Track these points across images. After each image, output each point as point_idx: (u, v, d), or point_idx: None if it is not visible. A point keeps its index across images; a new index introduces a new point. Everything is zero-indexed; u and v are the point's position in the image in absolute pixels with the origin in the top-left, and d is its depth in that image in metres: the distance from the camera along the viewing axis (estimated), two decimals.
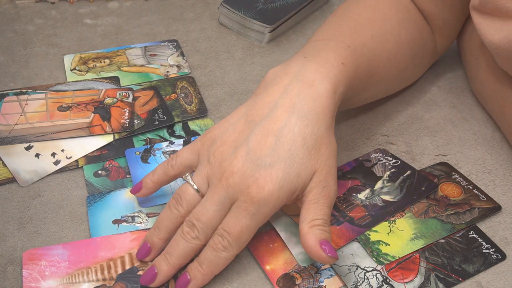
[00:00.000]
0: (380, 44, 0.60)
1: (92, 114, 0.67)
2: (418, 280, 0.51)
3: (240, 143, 0.50)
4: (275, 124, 0.50)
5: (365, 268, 0.52)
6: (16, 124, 0.65)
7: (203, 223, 0.49)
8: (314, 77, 0.52)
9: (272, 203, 0.48)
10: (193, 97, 0.70)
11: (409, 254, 0.53)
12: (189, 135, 0.65)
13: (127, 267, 0.52)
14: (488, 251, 0.53)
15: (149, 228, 0.54)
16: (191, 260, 0.50)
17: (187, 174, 0.52)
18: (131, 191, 0.56)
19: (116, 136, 0.64)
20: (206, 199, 0.50)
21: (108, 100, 0.68)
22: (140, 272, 0.51)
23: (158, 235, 0.51)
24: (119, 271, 0.51)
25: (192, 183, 0.51)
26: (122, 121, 0.65)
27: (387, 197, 0.57)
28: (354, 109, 0.69)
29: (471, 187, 0.58)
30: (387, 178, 0.59)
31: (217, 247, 0.49)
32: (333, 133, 0.52)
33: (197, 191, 0.51)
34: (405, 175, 0.59)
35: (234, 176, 0.48)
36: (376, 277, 0.51)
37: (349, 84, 0.55)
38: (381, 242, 0.53)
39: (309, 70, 0.52)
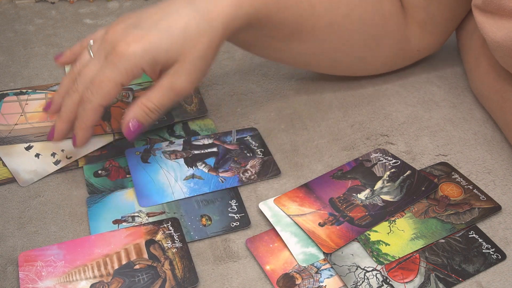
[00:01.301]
0: (326, 6, 0.61)
1: None
2: (418, 280, 0.51)
3: (132, 17, 0.55)
4: (169, 7, 0.54)
5: (365, 268, 0.52)
6: (16, 124, 0.65)
7: (81, 76, 0.54)
8: None
9: (134, 61, 0.52)
10: (193, 97, 0.70)
11: (409, 254, 0.53)
12: (189, 135, 0.65)
13: (124, 262, 0.52)
14: (488, 251, 0.53)
15: (144, 224, 0.55)
16: None
17: (90, 41, 0.57)
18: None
19: (116, 136, 0.64)
20: (90, 59, 0.55)
21: None
22: (137, 267, 0.51)
23: (57, 93, 0.57)
24: (116, 266, 0.52)
25: (89, 48, 0.56)
26: (122, 121, 0.65)
27: (387, 197, 0.57)
28: (354, 109, 0.69)
29: (471, 187, 0.58)
30: (387, 178, 0.59)
31: (83, 98, 0.53)
32: (217, 41, 0.55)
33: (91, 56, 0.56)
34: (405, 175, 0.59)
35: (112, 35, 0.54)
36: (376, 277, 0.51)
37: (266, 15, 0.57)
38: (381, 242, 0.53)
39: None
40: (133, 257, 0.52)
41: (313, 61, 0.67)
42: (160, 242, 0.53)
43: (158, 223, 0.55)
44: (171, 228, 0.54)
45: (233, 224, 0.56)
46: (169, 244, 0.53)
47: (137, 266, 0.51)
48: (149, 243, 0.53)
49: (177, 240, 0.53)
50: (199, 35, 0.53)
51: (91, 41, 0.57)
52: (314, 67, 0.70)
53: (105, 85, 0.53)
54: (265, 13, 0.57)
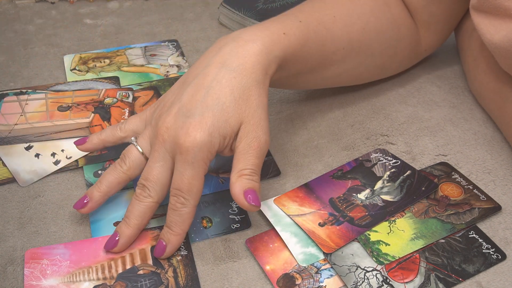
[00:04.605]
0: (342, 26, 0.61)
1: (92, 114, 0.67)
2: (418, 280, 0.51)
3: (174, 103, 0.53)
4: (205, 79, 0.52)
5: (365, 268, 0.52)
6: (16, 124, 0.65)
7: (151, 181, 0.52)
8: (249, 38, 0.54)
9: (206, 148, 0.50)
10: None
11: (409, 254, 0.53)
12: None
13: (128, 266, 0.52)
14: (488, 251, 0.53)
15: (150, 228, 0.55)
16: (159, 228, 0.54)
17: (133, 138, 0.56)
18: (75, 142, 0.59)
19: None
20: (150, 159, 0.53)
21: (108, 100, 0.68)
22: (141, 272, 0.51)
23: (98, 188, 0.54)
24: (120, 270, 0.52)
25: (136, 144, 0.55)
26: (122, 121, 0.65)
27: (387, 197, 0.57)
28: (355, 109, 0.69)
29: (471, 187, 0.58)
30: (387, 178, 0.59)
31: (175, 206, 0.51)
32: (264, 89, 0.54)
33: (141, 153, 0.54)
34: (405, 175, 0.59)
35: (168, 131, 0.51)
36: (376, 277, 0.51)
37: (292, 54, 0.56)
38: (381, 242, 0.53)
39: (246, 33, 0.55)
40: (138, 262, 0.52)
41: (336, 81, 0.67)
42: None
43: None
44: None
45: (233, 226, 0.56)
46: None
47: (140, 272, 0.51)
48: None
49: (182, 248, 0.53)
50: (247, 90, 0.52)
51: (133, 138, 0.55)
52: (337, 85, 0.69)
53: (193, 186, 0.50)
54: (292, 52, 0.56)
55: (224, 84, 0.52)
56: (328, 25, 0.60)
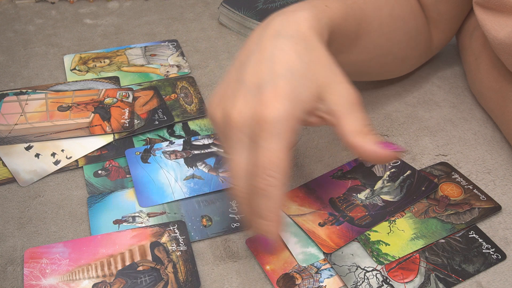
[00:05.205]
0: (372, 8, 0.59)
1: (92, 114, 0.67)
2: (418, 280, 0.51)
3: (236, 88, 0.47)
4: (265, 52, 0.47)
5: (365, 268, 0.52)
6: (16, 124, 0.65)
7: (244, 174, 0.46)
8: (295, 9, 0.50)
9: (290, 116, 0.45)
10: (193, 97, 0.70)
11: (409, 254, 0.53)
12: (189, 135, 0.65)
13: (127, 263, 0.52)
14: (488, 251, 0.53)
15: (150, 226, 0.55)
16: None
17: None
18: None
19: (116, 136, 0.64)
20: (230, 154, 0.47)
21: (108, 100, 0.68)
22: (140, 268, 0.51)
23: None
24: (119, 267, 0.52)
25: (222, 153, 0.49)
26: (122, 121, 0.65)
27: (387, 197, 0.57)
28: None
29: (471, 187, 0.58)
30: (387, 178, 0.59)
31: (264, 189, 0.45)
32: (327, 49, 0.49)
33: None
34: (405, 175, 0.59)
35: (241, 114, 0.46)
36: (376, 277, 0.51)
37: (337, 26, 0.53)
38: (381, 242, 0.53)
39: (290, 6, 0.51)
40: (137, 258, 0.52)
41: (364, 69, 0.65)
42: (165, 245, 0.53)
43: (164, 226, 0.55)
44: (177, 231, 0.54)
45: (233, 225, 0.56)
46: (173, 247, 0.53)
47: (140, 268, 0.51)
48: (154, 245, 0.53)
49: (182, 244, 0.53)
50: (314, 51, 0.48)
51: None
52: (363, 76, 0.67)
53: (282, 160, 0.44)
54: (336, 24, 0.53)
55: (287, 51, 0.47)
56: (362, 5, 0.58)
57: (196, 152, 0.63)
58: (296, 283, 0.51)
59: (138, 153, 0.62)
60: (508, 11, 0.55)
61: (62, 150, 0.63)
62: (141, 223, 0.55)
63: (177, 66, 0.75)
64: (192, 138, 0.64)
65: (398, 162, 0.61)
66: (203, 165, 0.61)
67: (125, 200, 0.58)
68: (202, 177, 0.60)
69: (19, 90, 0.71)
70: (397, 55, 0.66)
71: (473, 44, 0.68)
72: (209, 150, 0.63)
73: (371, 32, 0.60)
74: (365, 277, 0.51)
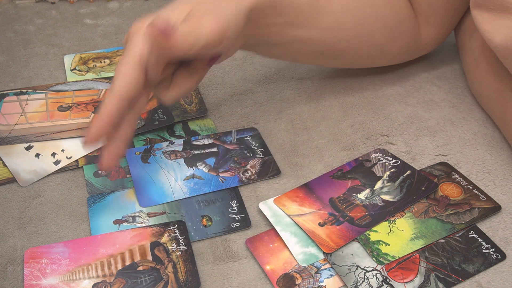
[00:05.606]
0: None
1: (92, 114, 0.67)
2: (418, 280, 0.51)
3: None
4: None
5: (365, 268, 0.52)
6: (16, 124, 0.65)
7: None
8: None
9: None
10: (193, 97, 0.70)
11: (409, 254, 0.53)
12: (189, 135, 0.65)
13: (127, 263, 0.52)
14: (488, 251, 0.53)
15: (150, 226, 0.55)
16: None
17: None
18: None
19: None
20: None
21: None
22: (140, 268, 0.51)
23: None
24: (119, 267, 0.52)
25: None
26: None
27: (387, 197, 0.57)
28: (354, 109, 0.69)
29: (471, 187, 0.58)
30: (387, 178, 0.59)
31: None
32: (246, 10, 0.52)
33: None
34: (405, 175, 0.59)
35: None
36: (376, 277, 0.51)
37: None
38: (381, 242, 0.53)
39: None
40: (137, 258, 0.52)
41: (337, 52, 0.65)
42: (165, 245, 0.53)
43: (164, 225, 0.55)
44: (177, 231, 0.54)
45: (233, 225, 0.56)
46: (173, 247, 0.53)
47: (140, 268, 0.51)
48: (154, 245, 0.53)
49: (182, 243, 0.53)
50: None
51: None
52: (340, 60, 0.68)
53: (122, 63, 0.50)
54: None
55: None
56: None
57: (196, 152, 0.63)
58: (296, 283, 0.51)
59: (138, 153, 0.62)
60: (506, 11, 0.55)
61: (62, 150, 0.63)
62: (141, 223, 0.56)
63: None
64: (192, 138, 0.64)
65: (398, 162, 0.61)
66: (203, 165, 0.61)
67: (125, 200, 0.58)
68: (202, 177, 0.60)
69: (19, 90, 0.71)
70: (370, 42, 0.66)
71: (473, 44, 0.68)
72: (209, 150, 0.63)
73: (336, 12, 0.61)
74: (365, 277, 0.51)
